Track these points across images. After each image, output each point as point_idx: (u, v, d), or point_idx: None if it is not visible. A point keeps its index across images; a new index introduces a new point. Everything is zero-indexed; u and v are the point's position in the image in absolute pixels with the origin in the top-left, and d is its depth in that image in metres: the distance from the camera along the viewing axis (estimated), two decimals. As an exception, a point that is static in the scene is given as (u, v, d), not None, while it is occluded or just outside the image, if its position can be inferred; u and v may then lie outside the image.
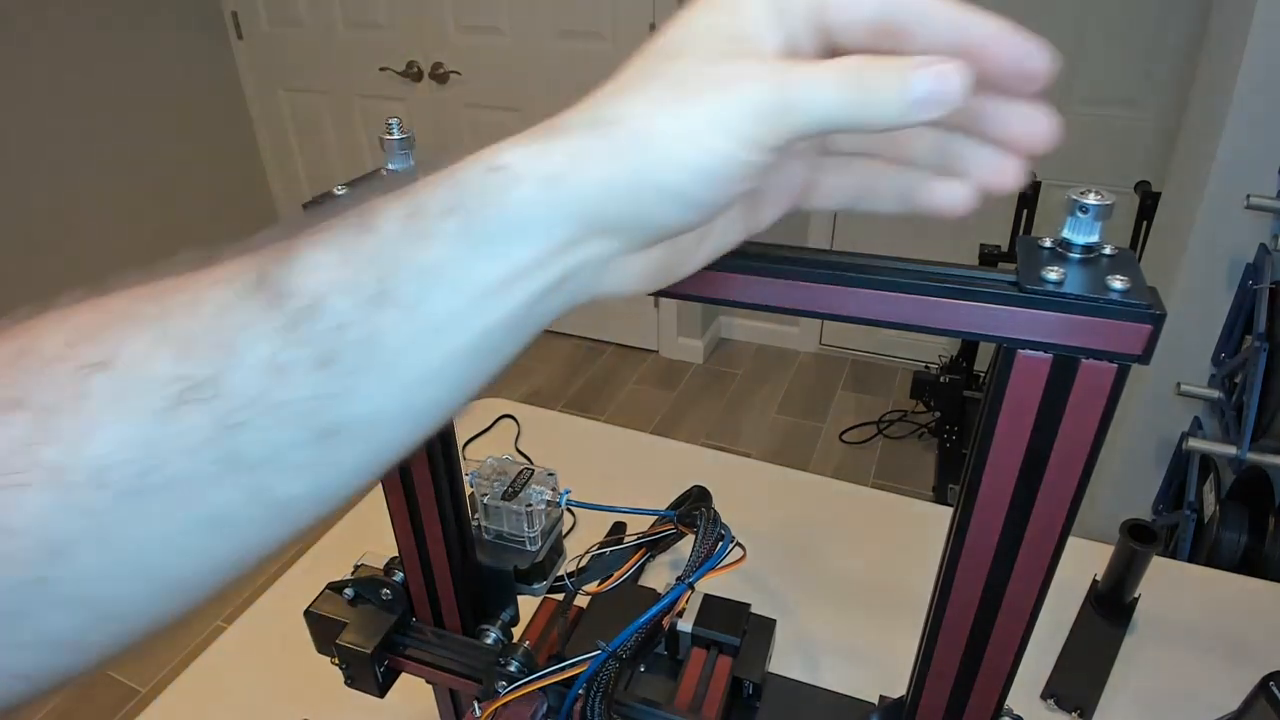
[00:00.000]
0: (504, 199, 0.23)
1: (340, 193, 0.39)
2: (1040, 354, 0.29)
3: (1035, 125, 0.25)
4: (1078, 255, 0.30)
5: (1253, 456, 1.21)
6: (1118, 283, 0.28)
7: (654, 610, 0.50)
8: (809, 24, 0.24)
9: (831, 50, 0.24)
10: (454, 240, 0.23)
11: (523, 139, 0.24)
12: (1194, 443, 1.31)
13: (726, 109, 0.22)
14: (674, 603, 0.53)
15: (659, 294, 0.34)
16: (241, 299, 0.22)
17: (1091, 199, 0.29)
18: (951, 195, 0.27)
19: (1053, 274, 0.28)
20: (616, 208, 0.23)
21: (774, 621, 0.67)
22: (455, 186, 0.23)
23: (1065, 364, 0.29)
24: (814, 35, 0.24)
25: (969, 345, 2.30)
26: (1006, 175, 0.26)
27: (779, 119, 0.22)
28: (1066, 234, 0.30)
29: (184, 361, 0.22)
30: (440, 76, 2.68)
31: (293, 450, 0.23)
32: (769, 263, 0.32)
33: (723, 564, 0.54)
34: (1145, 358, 0.28)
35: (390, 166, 0.41)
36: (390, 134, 0.40)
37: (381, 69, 2.74)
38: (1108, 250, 0.30)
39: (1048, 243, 0.31)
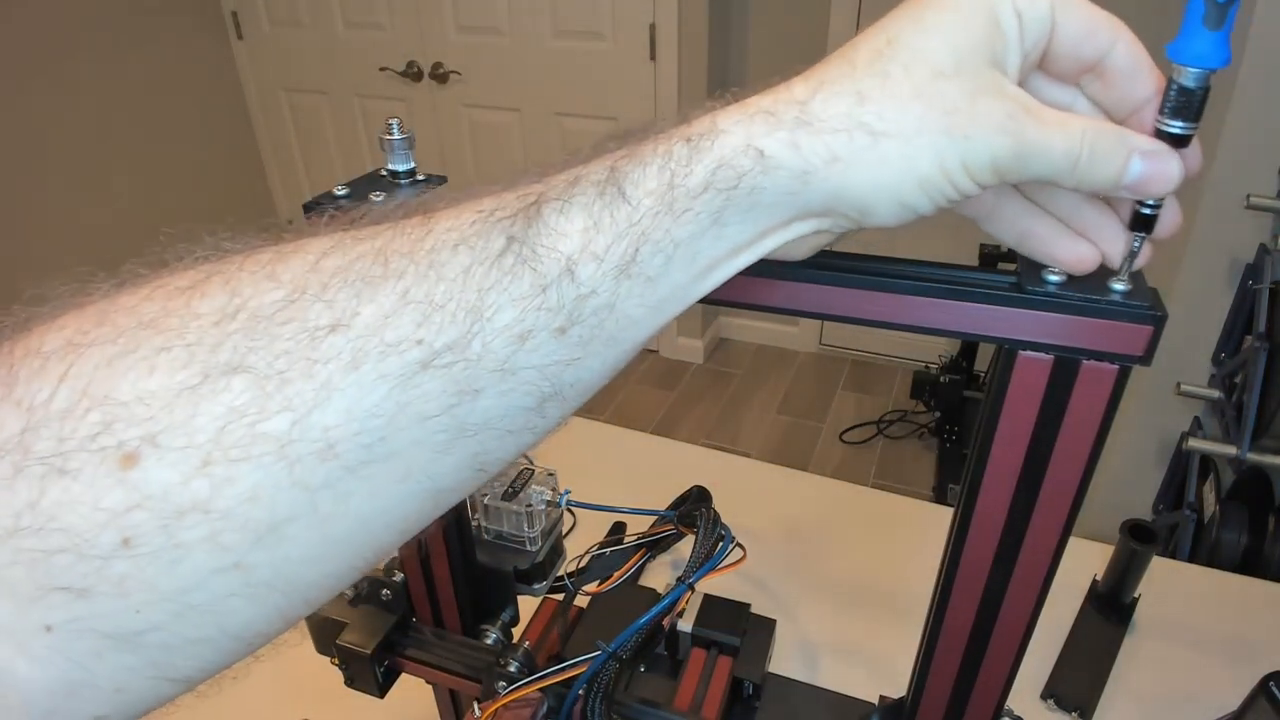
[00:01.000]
0: (759, 184, 0.23)
1: (340, 193, 0.39)
2: (1041, 355, 0.29)
3: (1168, 216, 0.27)
4: None
5: (1253, 456, 1.21)
6: (1119, 284, 0.28)
7: (654, 611, 0.50)
8: (1038, 48, 0.25)
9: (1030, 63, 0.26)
10: (704, 218, 0.23)
11: (772, 120, 0.24)
12: (1194, 443, 1.31)
13: (976, 155, 0.24)
14: (674, 603, 0.53)
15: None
16: (485, 262, 0.22)
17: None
18: (1081, 256, 0.28)
19: (1054, 275, 0.28)
20: (848, 205, 0.25)
21: (774, 621, 0.67)
22: (713, 164, 0.23)
23: (1066, 365, 0.29)
24: (1035, 55, 0.25)
25: (969, 345, 2.30)
26: (1133, 255, 0.27)
27: (1011, 168, 0.24)
28: None
29: (427, 326, 0.21)
30: (440, 76, 2.68)
31: (514, 416, 0.23)
32: (769, 264, 0.32)
33: (723, 564, 0.54)
34: (1147, 359, 0.28)
35: (391, 166, 0.41)
36: (391, 134, 0.40)
37: (381, 69, 2.74)
38: None
39: None
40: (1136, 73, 0.26)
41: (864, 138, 0.23)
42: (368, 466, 0.21)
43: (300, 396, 0.20)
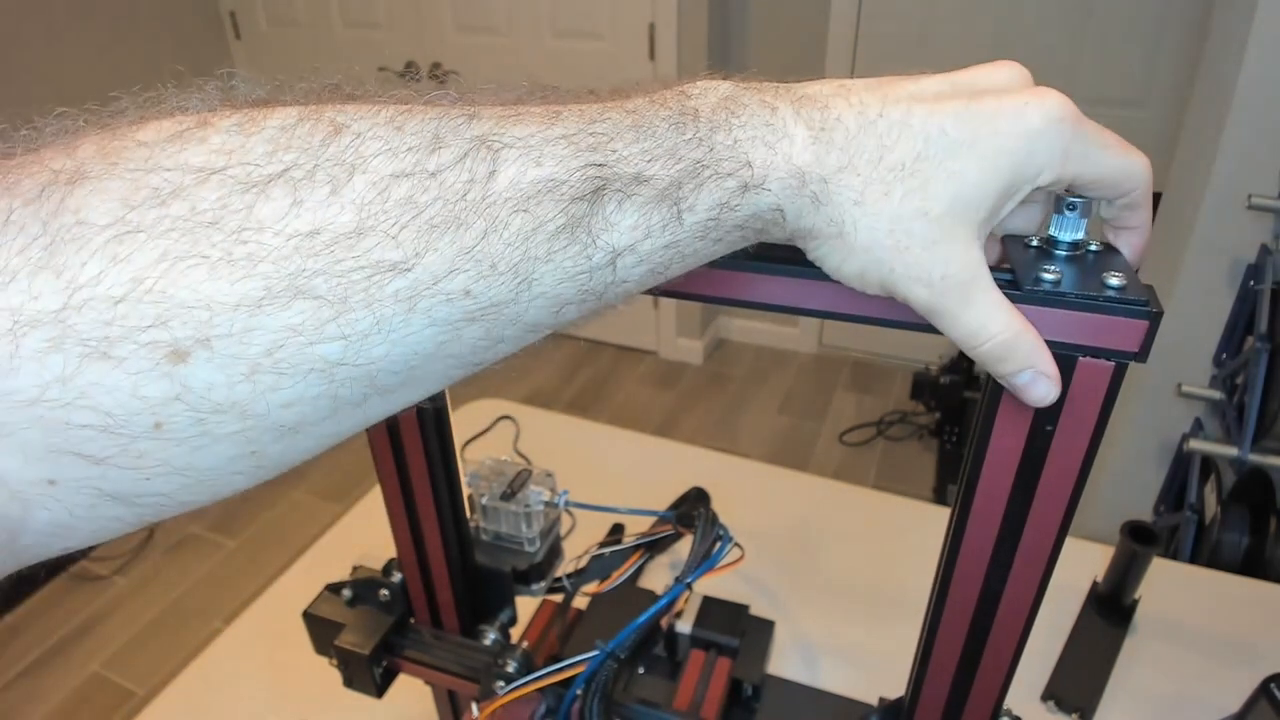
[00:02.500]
0: (770, 232, 0.28)
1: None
2: (1038, 353, 0.29)
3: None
4: (1064, 252, 0.30)
5: (1254, 457, 1.21)
6: (1114, 279, 0.27)
7: (652, 610, 0.50)
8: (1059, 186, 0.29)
9: None
10: (724, 246, 0.28)
11: (797, 185, 0.26)
12: (1195, 444, 1.30)
13: (895, 287, 0.28)
14: (672, 603, 0.53)
15: (657, 293, 0.33)
16: (543, 234, 0.23)
17: (1077, 196, 0.29)
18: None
19: (1049, 273, 0.28)
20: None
21: (773, 623, 0.67)
22: (750, 212, 0.27)
23: (1063, 362, 0.29)
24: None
25: (969, 346, 2.30)
26: None
27: (925, 312, 0.28)
28: (1052, 231, 0.30)
29: (482, 283, 0.22)
30: (439, 76, 2.68)
31: (518, 345, 0.26)
32: (769, 261, 0.32)
33: (721, 564, 0.54)
34: (1143, 355, 0.28)
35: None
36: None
37: (380, 69, 2.74)
38: (1094, 246, 0.30)
39: (1034, 241, 0.31)
40: (1137, 210, 0.30)
41: (839, 230, 0.27)
42: (395, 390, 0.23)
43: (356, 326, 0.21)
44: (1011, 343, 0.27)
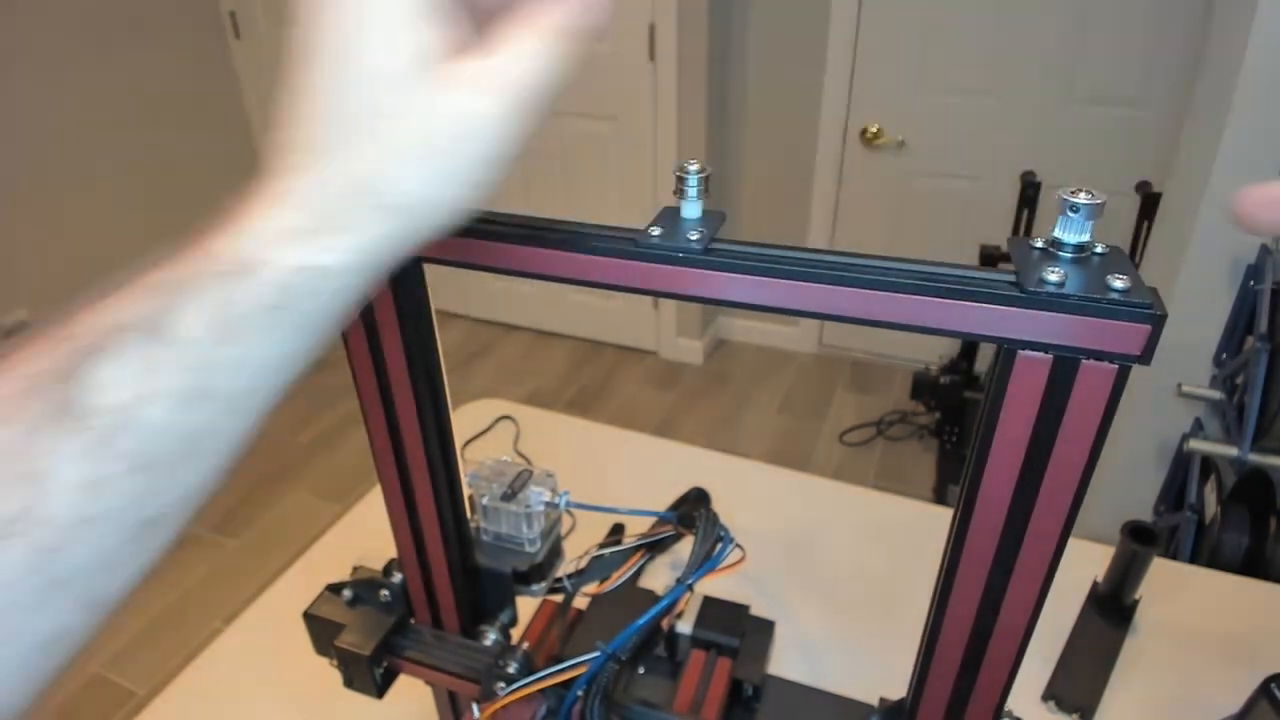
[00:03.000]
0: (320, 291, 0.25)
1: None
2: (1041, 355, 0.29)
3: None
4: (1070, 254, 0.30)
5: (1254, 458, 1.21)
6: (1118, 282, 0.27)
7: (654, 611, 0.50)
8: None
9: None
10: (270, 331, 0.24)
11: (304, 228, 0.24)
12: (1195, 444, 1.30)
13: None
14: (673, 603, 0.53)
15: (655, 294, 0.33)
16: (43, 425, 0.21)
17: (1082, 198, 0.29)
18: None
19: (1053, 275, 0.28)
20: (397, 254, 0.26)
21: (773, 623, 0.67)
22: (266, 285, 0.24)
23: (1066, 365, 0.29)
24: None
25: (969, 346, 2.30)
26: None
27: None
28: (1058, 233, 0.30)
29: None
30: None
31: (115, 552, 0.23)
32: (770, 263, 0.32)
33: (722, 565, 0.54)
34: (1145, 358, 0.28)
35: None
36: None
37: (381, 70, 2.74)
38: (1099, 249, 0.30)
39: (1039, 243, 0.31)
40: None
41: (378, 211, 0.26)
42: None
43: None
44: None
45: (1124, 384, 0.29)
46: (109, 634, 1.84)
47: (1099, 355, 0.28)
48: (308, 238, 0.24)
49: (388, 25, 0.25)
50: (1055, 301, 0.28)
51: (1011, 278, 0.29)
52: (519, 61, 0.25)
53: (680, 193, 0.35)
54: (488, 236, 0.37)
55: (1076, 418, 0.30)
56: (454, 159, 0.25)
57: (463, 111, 0.25)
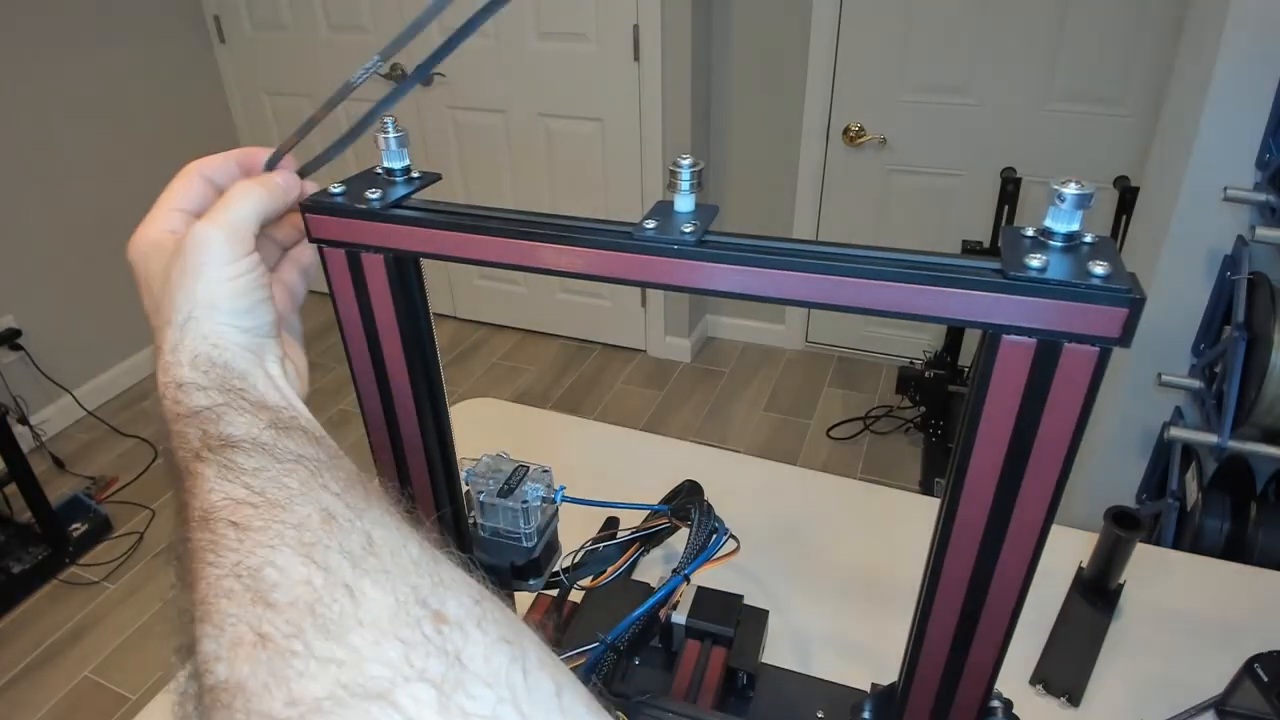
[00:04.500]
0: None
1: (337, 191, 0.40)
2: (1024, 339, 0.30)
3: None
4: (1059, 243, 0.31)
5: (1233, 444, 1.23)
6: (1098, 268, 0.28)
7: (651, 601, 0.51)
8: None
9: None
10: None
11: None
12: (1175, 432, 1.32)
13: None
14: (670, 594, 0.54)
15: (649, 286, 0.34)
16: None
17: (1070, 189, 0.30)
18: None
19: (1035, 261, 0.29)
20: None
21: (766, 612, 0.67)
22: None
23: (1049, 348, 0.30)
24: None
25: (953, 340, 2.32)
26: None
27: None
28: (1048, 223, 0.31)
29: None
30: (425, 79, 2.68)
31: None
32: (762, 254, 0.33)
33: (718, 556, 0.55)
34: (1125, 340, 0.29)
35: (386, 164, 0.41)
36: (386, 132, 0.40)
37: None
38: (1088, 238, 0.31)
39: (1030, 232, 0.32)
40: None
41: None
42: None
43: None
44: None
45: (1105, 367, 0.30)
46: (101, 639, 1.83)
47: (1080, 338, 0.29)
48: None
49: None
50: (1037, 286, 0.29)
51: (996, 264, 0.30)
52: (233, 192, 0.37)
53: (673, 186, 0.35)
54: (484, 231, 0.37)
55: (1060, 400, 0.31)
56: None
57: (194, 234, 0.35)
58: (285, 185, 0.39)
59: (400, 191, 0.40)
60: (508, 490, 0.55)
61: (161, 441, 0.32)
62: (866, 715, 0.51)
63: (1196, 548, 1.27)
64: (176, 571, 0.26)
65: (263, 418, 0.30)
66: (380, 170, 0.42)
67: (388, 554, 0.24)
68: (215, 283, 0.34)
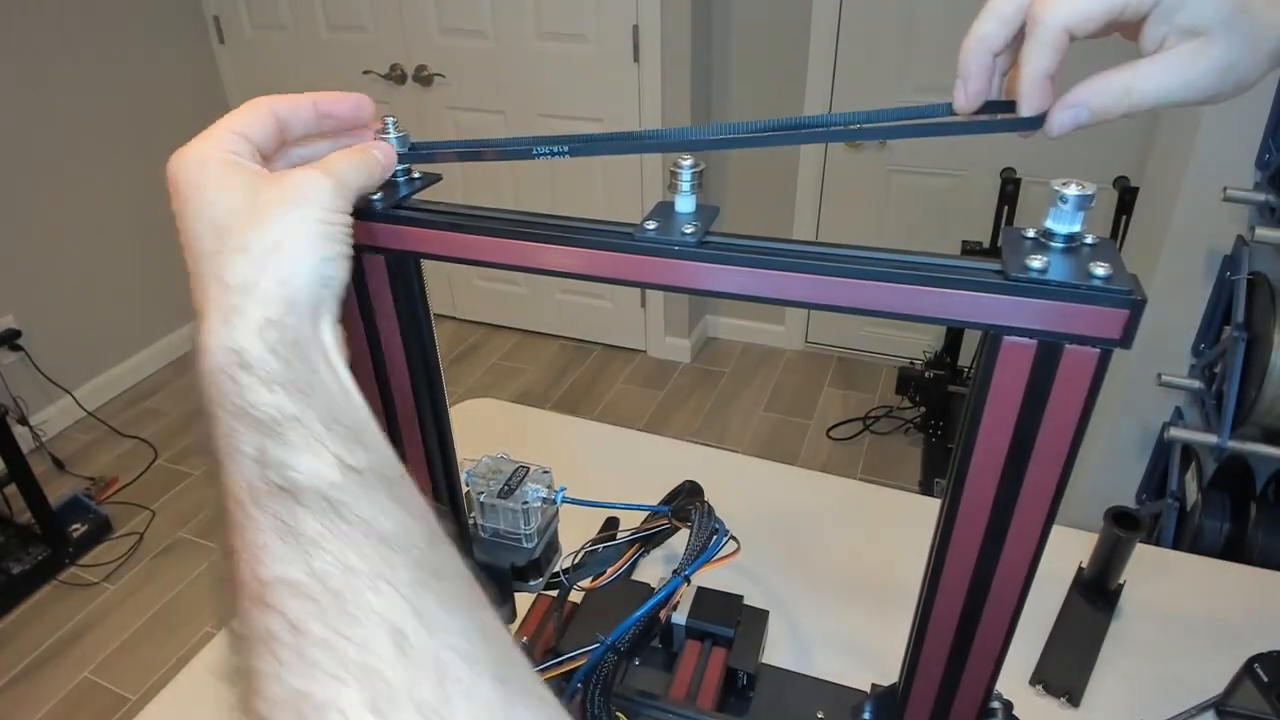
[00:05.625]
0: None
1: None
2: (1025, 340, 0.30)
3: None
4: (1060, 244, 0.31)
5: (1233, 445, 1.23)
6: (1100, 269, 0.28)
7: (652, 602, 0.51)
8: None
9: None
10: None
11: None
12: (1175, 432, 1.32)
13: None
14: (671, 595, 0.54)
15: (650, 286, 0.34)
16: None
17: (1071, 190, 0.30)
18: None
19: (1036, 262, 0.29)
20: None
21: (766, 613, 0.67)
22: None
23: (1049, 349, 0.30)
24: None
25: (953, 341, 2.32)
26: None
27: None
28: (1049, 224, 0.31)
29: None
30: (424, 79, 2.68)
31: None
32: (763, 255, 0.33)
33: (718, 557, 0.55)
34: (1126, 342, 0.29)
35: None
36: (387, 132, 0.40)
37: (365, 72, 2.73)
38: (1089, 239, 0.31)
39: (1031, 233, 0.32)
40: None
41: None
42: None
43: None
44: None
45: (1106, 368, 0.30)
46: (100, 640, 1.83)
47: (1081, 340, 0.29)
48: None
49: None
50: (1038, 288, 0.29)
51: (996, 266, 0.30)
52: (336, 159, 0.36)
53: (674, 187, 0.36)
54: (484, 232, 0.37)
55: (1060, 401, 0.31)
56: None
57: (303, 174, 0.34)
58: (386, 164, 0.39)
59: (401, 192, 0.40)
60: (508, 491, 0.55)
61: (199, 414, 0.29)
62: (867, 716, 0.51)
63: (1196, 548, 1.27)
64: (220, 604, 0.27)
65: (331, 448, 0.28)
66: (380, 171, 0.42)
67: (461, 700, 0.23)
68: (313, 222, 0.33)
